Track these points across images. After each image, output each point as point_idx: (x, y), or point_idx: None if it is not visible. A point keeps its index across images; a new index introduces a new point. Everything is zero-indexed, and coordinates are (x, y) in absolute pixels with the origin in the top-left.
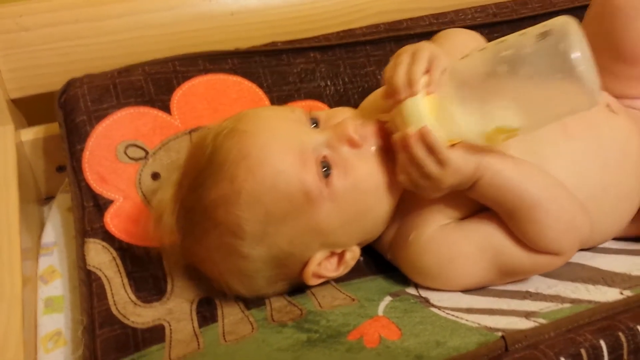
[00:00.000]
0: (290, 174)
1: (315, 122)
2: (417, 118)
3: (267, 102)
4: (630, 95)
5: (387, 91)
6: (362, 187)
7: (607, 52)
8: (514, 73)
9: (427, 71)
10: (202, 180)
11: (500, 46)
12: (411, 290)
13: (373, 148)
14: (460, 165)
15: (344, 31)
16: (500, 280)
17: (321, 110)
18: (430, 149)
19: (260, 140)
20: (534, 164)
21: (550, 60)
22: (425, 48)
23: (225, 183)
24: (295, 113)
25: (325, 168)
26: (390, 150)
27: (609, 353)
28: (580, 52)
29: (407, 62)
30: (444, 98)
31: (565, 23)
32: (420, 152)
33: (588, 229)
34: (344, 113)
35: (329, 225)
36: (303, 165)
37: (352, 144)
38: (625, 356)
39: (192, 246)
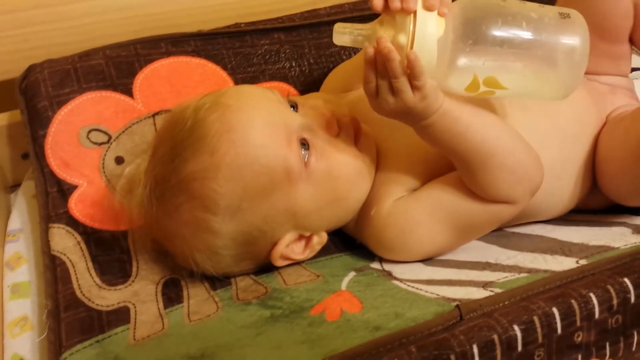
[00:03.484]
0: (275, 149)
1: (294, 105)
2: (424, 36)
3: (231, 84)
4: (597, 71)
5: None
6: (335, 174)
7: (591, 31)
8: (528, 35)
9: None
10: (179, 152)
11: (524, 6)
12: (375, 265)
13: (347, 138)
14: (429, 95)
15: (308, 11)
16: (461, 239)
17: (287, 91)
18: (412, 74)
19: (245, 115)
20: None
21: (564, 39)
22: None
23: (205, 156)
24: (275, 94)
25: (304, 149)
26: (364, 141)
27: (562, 320)
28: (587, 46)
29: None
30: (449, 26)
31: (580, 15)
32: (398, 69)
33: (540, 180)
34: (319, 100)
35: (304, 207)
36: (288, 143)
37: (330, 130)
38: (578, 323)
39: (161, 220)
